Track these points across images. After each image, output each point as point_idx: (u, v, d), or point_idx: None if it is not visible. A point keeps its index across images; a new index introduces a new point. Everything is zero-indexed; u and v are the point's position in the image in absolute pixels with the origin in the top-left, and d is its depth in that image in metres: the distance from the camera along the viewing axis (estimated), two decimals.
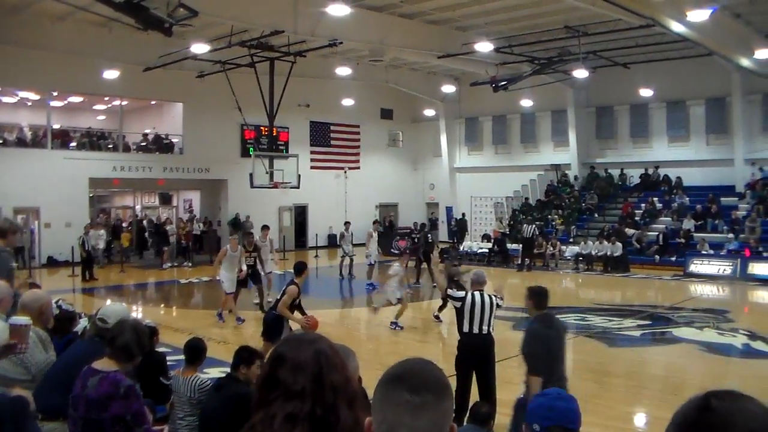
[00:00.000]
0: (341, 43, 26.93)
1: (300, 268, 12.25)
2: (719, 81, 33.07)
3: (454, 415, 2.14)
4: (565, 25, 27.37)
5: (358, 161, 42.14)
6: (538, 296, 8.12)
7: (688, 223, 31.14)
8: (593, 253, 30.07)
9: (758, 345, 15.64)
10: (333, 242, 39.68)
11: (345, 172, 40.92)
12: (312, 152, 39.52)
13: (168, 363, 8.53)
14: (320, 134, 40.36)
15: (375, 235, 26.36)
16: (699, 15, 21.40)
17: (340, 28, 25.61)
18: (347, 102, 39.26)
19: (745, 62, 29.06)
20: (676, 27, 23.28)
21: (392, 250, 32.91)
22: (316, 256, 35.42)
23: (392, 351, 14.70)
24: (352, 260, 26.97)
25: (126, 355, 4.92)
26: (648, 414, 11.10)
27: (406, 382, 2.01)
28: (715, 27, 24.52)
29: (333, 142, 41.06)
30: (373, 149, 42.78)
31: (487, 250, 33.54)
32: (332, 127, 40.89)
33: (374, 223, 28.65)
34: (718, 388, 1.63)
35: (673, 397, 11.50)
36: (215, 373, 10.17)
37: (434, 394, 2.01)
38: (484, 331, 9.66)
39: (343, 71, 32.76)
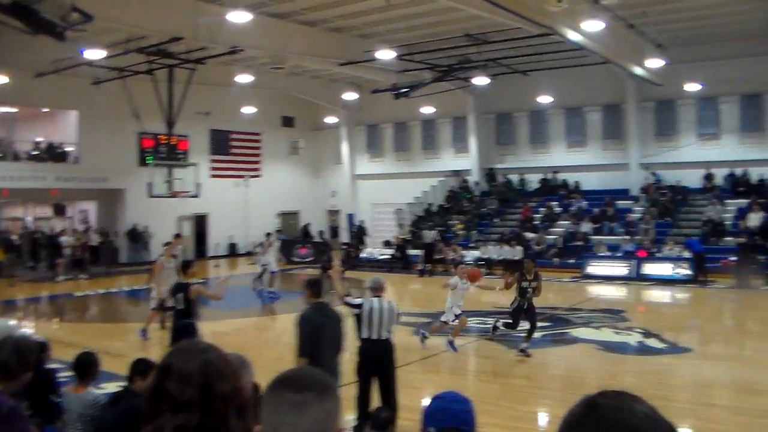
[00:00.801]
0: (242, 50, 26.64)
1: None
2: (615, 88, 34.10)
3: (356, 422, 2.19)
4: (466, 33, 27.74)
5: (259, 169, 41.83)
6: (314, 286, 8.77)
7: (586, 226, 31.89)
8: (494, 257, 30.47)
9: (652, 342, 16.10)
10: (233, 251, 39.37)
11: (246, 180, 40.50)
12: (212, 160, 39.12)
13: (61, 379, 8.25)
14: (220, 142, 39.93)
15: (276, 244, 26.15)
16: (594, 25, 21.96)
17: (241, 36, 25.32)
18: (248, 110, 38.95)
19: (638, 71, 29.92)
20: (573, 36, 23.83)
21: (292, 258, 32.70)
22: (216, 265, 34.96)
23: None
24: (272, 273, 25.70)
25: (5, 373, 4.72)
26: (549, 413, 11.27)
27: (291, 382, 2.12)
28: (610, 37, 25.18)
29: (233, 150, 40.69)
30: (274, 157, 42.54)
31: (388, 257, 33.64)
32: (232, 135, 40.54)
33: (277, 232, 28.42)
34: (608, 388, 1.68)
35: (572, 396, 11.47)
36: (112, 388, 9.90)
37: (316, 393, 2.09)
38: (383, 337, 9.67)
39: (244, 79, 32.48)
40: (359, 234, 38.21)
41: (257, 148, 41.90)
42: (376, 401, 9.38)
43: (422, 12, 26.74)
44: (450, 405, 3.64)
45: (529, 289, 14.89)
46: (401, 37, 29.33)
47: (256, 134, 41.56)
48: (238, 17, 22.38)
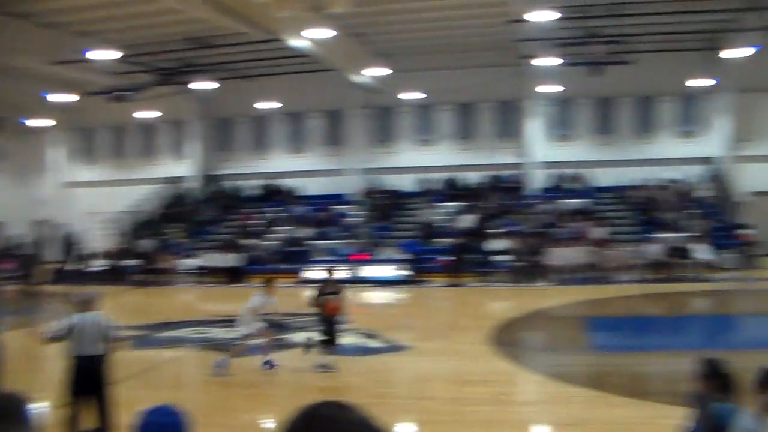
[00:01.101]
0: None
1: None
2: (336, 95, 34.65)
3: None
4: (189, 36, 27.01)
5: None
6: None
7: (306, 231, 32.09)
8: (213, 264, 29.92)
9: (371, 342, 16.40)
10: None
11: None
12: None
13: None
14: None
15: None
16: (319, 33, 22.13)
17: None
18: None
19: (359, 79, 30.60)
20: (298, 43, 23.94)
21: None
22: None
23: None
24: None
25: None
26: (273, 419, 11.02)
27: None
28: (335, 45, 25.55)
29: None
30: None
31: (104, 268, 31.95)
32: None
33: None
34: (331, 391, 1.64)
35: (296, 400, 11.29)
36: None
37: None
38: (92, 353, 8.98)
39: None
40: (68, 245, 35.96)
41: None
42: (90, 422, 8.78)
43: (144, 12, 25.65)
44: (153, 419, 3.46)
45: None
46: (121, 38, 27.79)
47: None
48: None
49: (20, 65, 32.40)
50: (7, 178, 41.35)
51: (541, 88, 32.26)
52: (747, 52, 27.91)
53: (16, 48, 27.20)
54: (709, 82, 31.04)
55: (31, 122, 39.57)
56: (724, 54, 29.12)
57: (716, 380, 5.65)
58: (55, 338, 9.24)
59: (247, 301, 14.02)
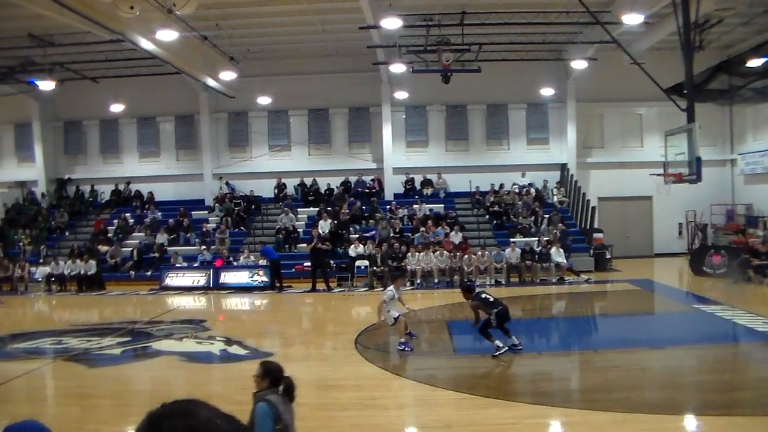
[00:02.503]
0: None
1: None
2: (189, 99, 34.33)
3: None
4: (29, 33, 26.01)
5: None
6: None
7: (162, 237, 31.49)
8: (66, 272, 28.94)
9: (234, 349, 16.22)
10: None
11: None
12: None
13: None
14: None
15: None
16: (167, 35, 21.73)
17: None
18: None
19: (211, 82, 30.28)
20: (146, 45, 23.41)
21: None
22: None
23: None
24: None
25: None
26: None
27: None
28: (184, 48, 25.20)
29: None
30: None
31: None
32: None
33: None
34: (192, 398, 1.78)
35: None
36: None
37: None
38: None
39: None
40: None
41: None
42: None
43: None
44: None
45: None
46: None
47: None
48: None
49: None
50: None
51: (394, 95, 32.80)
52: (587, 63, 29.42)
53: None
54: (555, 91, 32.46)
55: None
56: (570, 65, 30.53)
57: (268, 377, 6.76)
58: None
59: (383, 293, 16.27)
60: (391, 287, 16.04)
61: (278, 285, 27.12)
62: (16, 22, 25.74)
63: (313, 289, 26.34)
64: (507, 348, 14.30)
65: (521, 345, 14.55)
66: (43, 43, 26.45)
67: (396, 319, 15.55)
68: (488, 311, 14.38)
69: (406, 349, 15.26)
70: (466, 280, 24.49)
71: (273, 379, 6.78)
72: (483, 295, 14.93)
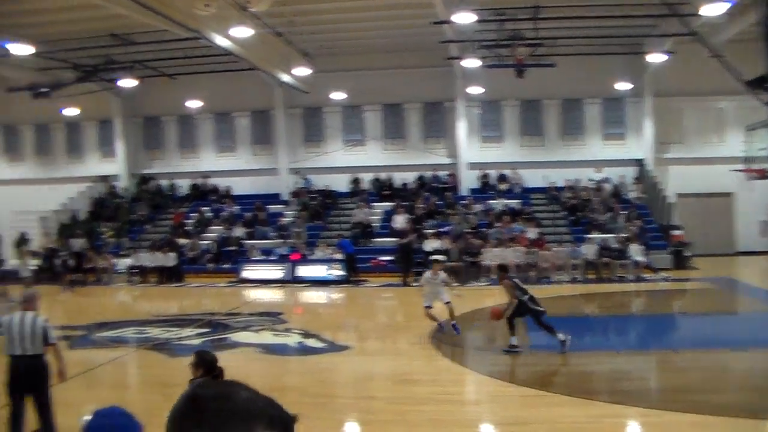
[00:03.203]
0: None
1: None
2: (264, 95, 34.69)
3: None
4: (111, 32, 26.63)
5: None
6: None
7: (239, 231, 31.97)
8: (147, 264, 29.60)
9: (311, 342, 16.40)
10: None
11: None
12: None
13: None
14: None
15: None
16: (242, 32, 22.03)
17: None
18: None
19: (286, 78, 30.59)
20: (221, 41, 23.82)
21: None
22: None
23: None
24: None
25: None
26: None
27: None
28: (259, 44, 25.50)
29: None
30: None
31: (35, 268, 31.33)
32: None
33: None
34: (272, 390, 1.75)
35: None
36: None
37: None
38: (30, 352, 8.93)
39: None
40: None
41: None
42: (33, 423, 8.67)
43: (64, 6, 25.25)
44: (101, 421, 3.49)
45: None
46: (41, 33, 27.23)
47: None
48: None
49: None
50: None
51: (468, 90, 32.65)
52: (665, 56, 28.83)
53: None
54: (631, 85, 31.92)
55: None
56: (647, 58, 29.97)
57: (203, 367, 7.34)
58: None
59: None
60: (429, 272, 17.11)
61: (354, 279, 27.30)
62: (99, 23, 26.46)
63: (390, 284, 26.41)
64: (520, 349, 14.36)
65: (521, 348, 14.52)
66: (124, 42, 27.06)
67: (427, 307, 16.60)
68: (517, 296, 14.60)
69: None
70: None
71: (207, 368, 7.37)
72: (515, 280, 15.51)
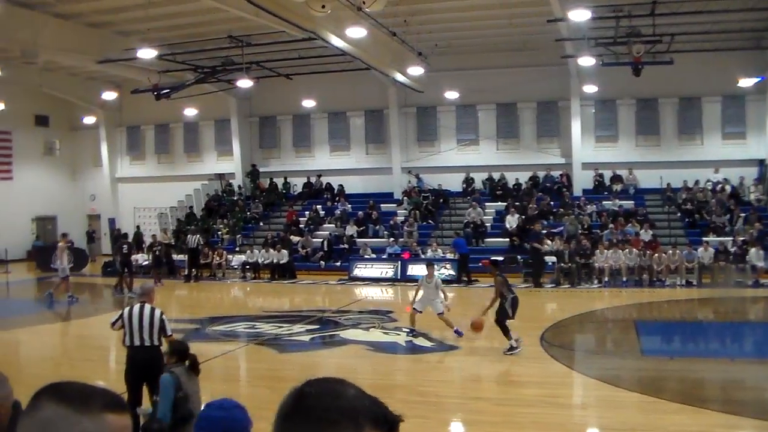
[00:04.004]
0: None
1: None
2: (378, 94, 34.90)
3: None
4: (229, 34, 27.28)
5: (10, 171, 39.17)
6: None
7: (351, 229, 32.26)
8: (260, 261, 30.20)
9: (420, 341, 16.41)
10: None
11: None
12: None
13: None
14: None
15: (66, 248, 24.97)
16: (356, 32, 22.23)
17: None
18: None
19: (400, 77, 30.73)
20: (336, 42, 24.12)
21: (52, 265, 30.52)
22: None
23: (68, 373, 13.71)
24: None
25: None
26: None
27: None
28: (373, 44, 25.70)
29: None
30: (27, 158, 39.87)
31: (153, 262, 32.35)
32: None
33: (63, 236, 26.65)
34: (378, 387, 1.69)
35: None
36: None
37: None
38: (147, 343, 9.34)
39: None
40: (117, 239, 35.96)
41: (8, 147, 39.11)
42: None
43: (185, 11, 26.05)
44: (213, 413, 3.56)
45: None
46: (163, 36, 28.22)
47: (6, 133, 38.79)
48: None
49: (68, 64, 33.01)
50: (59, 173, 42.16)
51: (583, 88, 32.11)
52: None
53: (63, 47, 27.83)
54: (754, 81, 30.70)
55: (80, 119, 40.30)
56: None
57: (176, 356, 8.03)
58: (114, 324, 9.60)
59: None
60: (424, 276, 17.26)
61: (465, 279, 27.20)
62: (218, 25, 27.23)
63: (538, 286, 26.18)
64: (519, 348, 14.43)
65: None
66: (241, 44, 27.65)
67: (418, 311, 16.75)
68: (507, 294, 14.83)
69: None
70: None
71: (179, 356, 8.04)
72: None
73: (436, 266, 27.79)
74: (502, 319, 14.78)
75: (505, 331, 14.74)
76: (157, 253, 30.32)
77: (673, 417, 10.33)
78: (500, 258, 20.50)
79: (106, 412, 1.80)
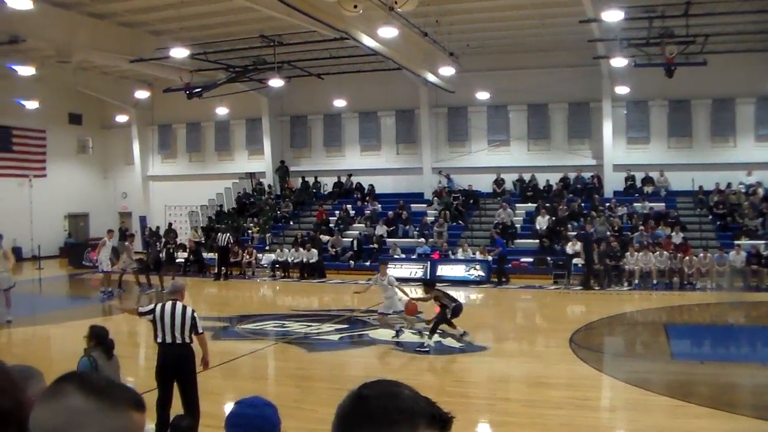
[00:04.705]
0: (24, 40, 25.05)
1: None
2: (408, 94, 34.90)
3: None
4: (261, 34, 27.41)
5: (44, 168, 39.57)
6: None
7: (381, 229, 32.29)
8: (289, 260, 30.30)
9: (449, 342, 16.36)
10: (18, 255, 37.04)
11: (30, 180, 38.22)
12: None
13: None
14: (1, 138, 37.41)
15: (109, 243, 25.53)
16: (388, 32, 22.25)
17: (23, 24, 23.63)
18: (31, 104, 36.51)
19: (431, 78, 30.71)
20: (368, 42, 24.15)
21: (84, 262, 30.94)
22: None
23: None
24: (103, 272, 25.20)
25: None
26: None
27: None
28: (404, 44, 25.69)
29: (15, 148, 38.21)
30: (60, 156, 40.29)
31: (183, 260, 32.66)
32: (14, 132, 38.04)
33: (109, 232, 27.06)
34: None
35: None
36: None
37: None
38: (178, 341, 9.39)
39: (26, 71, 30.31)
40: (149, 237, 36.34)
41: (42, 145, 39.51)
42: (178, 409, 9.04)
43: (217, 11, 26.15)
44: (245, 410, 3.59)
45: None
46: (195, 36, 28.52)
47: (41, 131, 39.21)
48: (20, 3, 20.46)
49: (101, 63, 33.32)
50: (92, 170, 42.60)
51: (615, 89, 31.90)
52: None
53: (96, 46, 28.10)
54: None
55: (113, 117, 40.71)
56: None
57: (94, 339, 8.66)
58: (143, 314, 9.73)
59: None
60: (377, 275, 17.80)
61: (503, 279, 27.13)
62: (249, 25, 27.34)
63: (530, 285, 26.17)
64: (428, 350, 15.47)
65: (468, 333, 15.81)
66: (272, 43, 27.79)
67: (397, 312, 17.09)
68: (449, 304, 15.82)
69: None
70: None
71: (97, 340, 8.66)
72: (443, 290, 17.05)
73: (465, 267, 28.07)
74: (438, 320, 15.84)
75: (433, 330, 15.81)
76: (170, 250, 30.49)
77: (702, 422, 10.26)
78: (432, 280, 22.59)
79: (131, 410, 1.85)
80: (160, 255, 27.89)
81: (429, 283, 17.70)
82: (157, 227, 36.53)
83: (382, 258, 29.19)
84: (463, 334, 15.77)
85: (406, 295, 17.29)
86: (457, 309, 15.84)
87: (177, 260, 31.45)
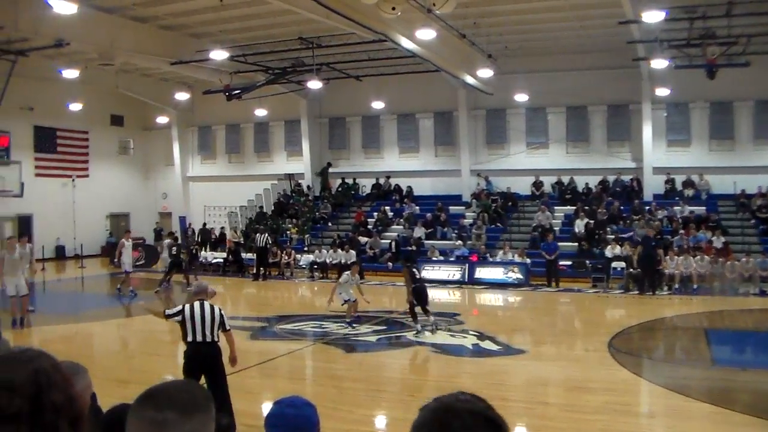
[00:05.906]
0: (68, 44, 25.41)
1: None
2: (447, 96, 34.87)
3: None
4: (300, 36, 27.55)
5: (87, 169, 40.09)
6: None
7: (419, 231, 32.29)
8: (328, 261, 30.40)
9: (487, 344, 16.35)
10: (61, 254, 37.66)
11: (73, 180, 38.76)
12: (36, 158, 37.19)
13: None
14: (46, 139, 37.92)
15: (128, 244, 25.85)
16: (426, 34, 22.26)
17: (67, 28, 24.01)
18: (75, 106, 37.01)
19: (469, 80, 30.66)
20: (406, 44, 24.18)
21: (114, 261, 31.13)
22: (43, 269, 32.78)
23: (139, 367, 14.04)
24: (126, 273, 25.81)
25: None
26: (387, 416, 11.28)
27: (154, 399, 2.08)
28: (443, 46, 25.70)
29: (60, 149, 38.74)
30: (102, 157, 40.87)
31: (222, 260, 32.96)
32: (59, 133, 38.58)
33: (126, 233, 27.41)
34: (446, 390, 1.90)
35: (410, 398, 11.78)
36: None
37: (178, 412, 2.05)
38: (209, 339, 9.53)
39: (71, 74, 30.78)
40: (203, 237, 36.65)
41: (85, 146, 40.07)
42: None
43: (256, 13, 26.31)
44: (284, 410, 3.60)
45: None
46: (234, 38, 28.77)
47: (84, 132, 39.77)
48: (64, 8, 20.77)
49: (142, 65, 33.70)
50: (133, 171, 43.10)
51: (655, 91, 31.60)
52: None
53: (138, 49, 28.43)
54: None
55: (154, 119, 41.15)
56: None
57: None
58: (171, 317, 9.82)
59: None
60: (347, 273, 19.00)
61: (532, 283, 27.04)
62: (289, 27, 27.52)
63: (568, 289, 26.07)
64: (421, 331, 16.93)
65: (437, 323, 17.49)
66: (311, 45, 27.92)
67: (346, 301, 18.39)
68: (409, 286, 17.07)
69: (353, 324, 18.21)
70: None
71: None
72: (413, 269, 18.11)
73: (504, 269, 28.00)
74: (410, 303, 17.40)
75: (413, 316, 17.39)
76: (193, 251, 30.72)
77: (743, 429, 10.13)
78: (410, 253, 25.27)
79: (206, 411, 2.07)
80: (180, 255, 28.11)
81: (404, 258, 19.50)
82: (192, 228, 36.94)
83: (421, 260, 29.32)
84: (434, 327, 17.34)
85: (362, 295, 18.71)
86: (417, 291, 17.00)
87: (212, 260, 31.79)
